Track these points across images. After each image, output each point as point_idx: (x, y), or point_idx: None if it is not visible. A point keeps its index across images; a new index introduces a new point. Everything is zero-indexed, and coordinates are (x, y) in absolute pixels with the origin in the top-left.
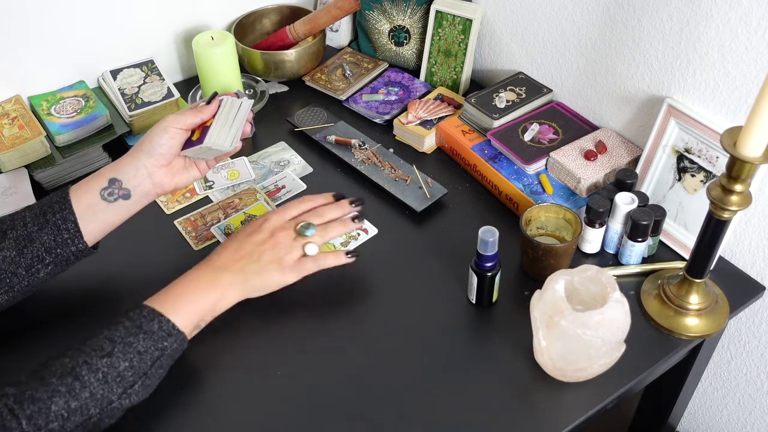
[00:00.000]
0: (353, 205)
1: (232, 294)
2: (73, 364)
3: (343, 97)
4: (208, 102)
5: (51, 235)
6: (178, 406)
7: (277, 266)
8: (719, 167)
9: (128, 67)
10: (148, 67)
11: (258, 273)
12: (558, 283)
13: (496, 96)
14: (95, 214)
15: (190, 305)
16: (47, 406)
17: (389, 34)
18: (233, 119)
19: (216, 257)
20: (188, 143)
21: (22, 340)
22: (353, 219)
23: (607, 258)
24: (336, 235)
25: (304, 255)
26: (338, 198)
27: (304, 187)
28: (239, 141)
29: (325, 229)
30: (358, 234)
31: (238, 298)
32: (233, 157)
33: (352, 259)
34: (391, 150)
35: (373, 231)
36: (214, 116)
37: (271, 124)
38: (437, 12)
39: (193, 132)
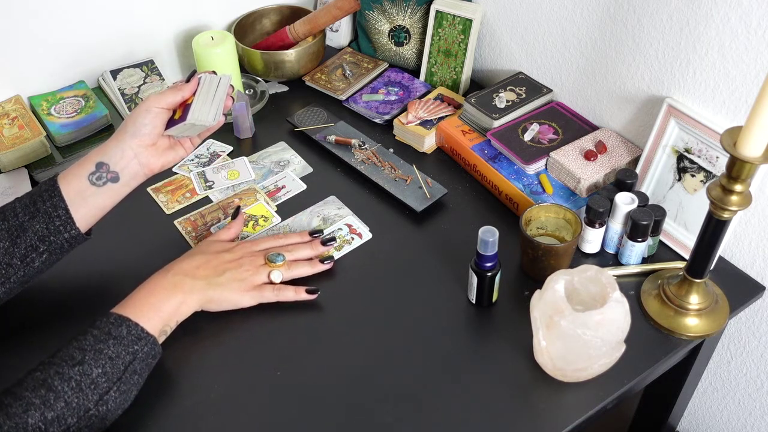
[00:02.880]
0: (326, 244)
1: (191, 300)
2: (45, 376)
3: (343, 97)
4: (187, 80)
5: (43, 224)
6: (174, 410)
7: (238, 285)
8: (719, 167)
9: (128, 67)
10: (148, 67)
11: (219, 286)
12: (558, 283)
13: (496, 96)
14: (85, 200)
15: (155, 309)
16: (23, 421)
17: (389, 34)
18: (214, 94)
19: (179, 266)
20: (171, 122)
21: (22, 342)
22: (322, 261)
23: (607, 258)
24: (302, 274)
25: (268, 283)
26: (313, 234)
27: (304, 187)
28: (222, 115)
29: (291, 267)
30: (352, 238)
31: (196, 306)
32: (233, 156)
33: (313, 296)
34: (391, 150)
35: (367, 236)
36: (194, 94)
37: (271, 124)
38: (437, 12)
39: (174, 111)
